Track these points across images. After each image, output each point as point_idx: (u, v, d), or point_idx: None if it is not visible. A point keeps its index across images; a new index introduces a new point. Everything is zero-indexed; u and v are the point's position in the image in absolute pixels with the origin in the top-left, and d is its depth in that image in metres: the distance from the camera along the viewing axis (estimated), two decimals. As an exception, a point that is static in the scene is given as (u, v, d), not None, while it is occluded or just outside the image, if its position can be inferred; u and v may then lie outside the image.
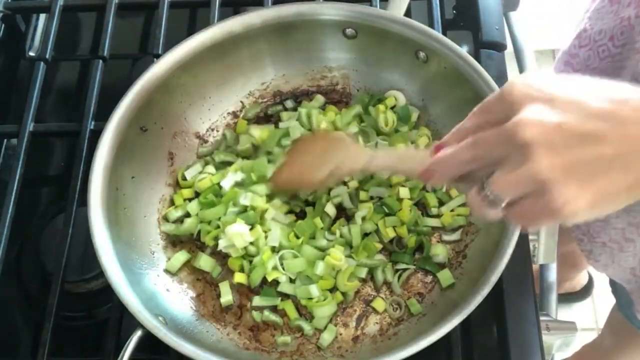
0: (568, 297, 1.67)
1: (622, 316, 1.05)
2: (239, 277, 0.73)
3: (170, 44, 0.79)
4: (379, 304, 0.73)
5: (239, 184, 0.77)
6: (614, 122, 0.45)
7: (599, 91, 0.47)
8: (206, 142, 0.83)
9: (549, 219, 0.47)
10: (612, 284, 1.03)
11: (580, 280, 1.68)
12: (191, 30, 0.83)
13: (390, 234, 0.75)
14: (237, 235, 0.73)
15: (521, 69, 1.01)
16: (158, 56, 0.81)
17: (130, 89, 0.75)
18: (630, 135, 0.45)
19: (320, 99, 0.84)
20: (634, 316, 0.98)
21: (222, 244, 0.74)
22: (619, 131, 0.45)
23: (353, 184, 0.77)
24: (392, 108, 0.82)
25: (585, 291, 1.68)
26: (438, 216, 0.77)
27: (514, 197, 0.49)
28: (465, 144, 0.51)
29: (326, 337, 0.71)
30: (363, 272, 0.73)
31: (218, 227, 0.75)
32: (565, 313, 0.92)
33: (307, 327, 0.72)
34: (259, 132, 0.81)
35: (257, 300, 0.73)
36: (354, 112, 0.81)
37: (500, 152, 0.48)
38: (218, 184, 0.78)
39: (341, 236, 0.75)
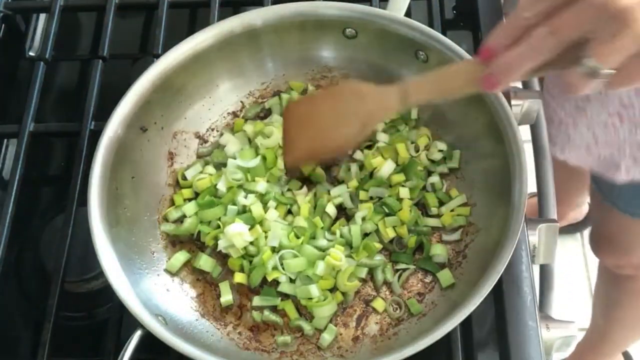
0: (573, 227, 1.79)
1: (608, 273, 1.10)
2: (239, 277, 0.73)
3: (170, 44, 0.79)
4: (379, 304, 0.73)
5: (238, 184, 0.77)
6: None
7: None
8: (206, 142, 0.83)
9: None
10: (593, 179, 1.06)
11: (583, 210, 1.77)
12: (191, 30, 0.83)
13: (390, 234, 0.75)
14: (236, 235, 0.73)
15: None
16: (158, 56, 0.81)
17: (130, 89, 0.75)
18: None
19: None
20: (619, 197, 1.02)
21: (221, 244, 0.74)
22: None
23: (353, 183, 0.77)
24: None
25: (587, 220, 1.77)
26: (438, 216, 0.77)
27: (619, 63, 0.49)
28: (542, 33, 0.50)
29: (326, 337, 0.71)
30: (363, 272, 0.73)
31: (218, 227, 0.75)
32: (565, 313, 0.92)
33: (307, 327, 0.71)
34: (251, 127, 0.81)
35: (257, 301, 0.73)
36: None
37: (592, 26, 0.48)
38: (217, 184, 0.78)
39: (341, 236, 0.75)
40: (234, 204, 0.76)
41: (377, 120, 0.65)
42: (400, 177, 0.77)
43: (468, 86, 0.58)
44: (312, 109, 0.68)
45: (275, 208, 0.76)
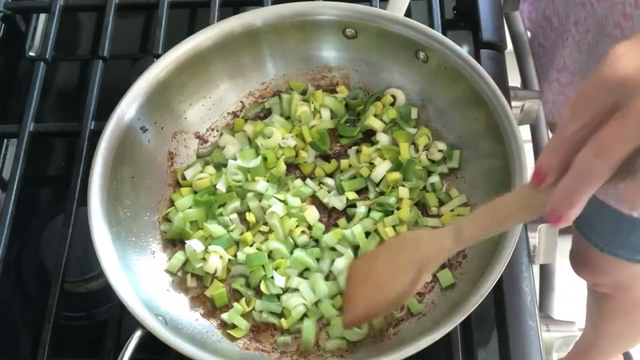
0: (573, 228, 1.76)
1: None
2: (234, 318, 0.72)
3: (170, 44, 0.79)
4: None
5: (238, 185, 0.77)
6: None
7: None
8: (206, 142, 0.83)
9: None
10: None
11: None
12: (191, 30, 0.83)
13: (390, 233, 0.75)
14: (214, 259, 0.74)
15: (521, 69, 1.02)
16: (158, 56, 0.81)
17: (130, 89, 0.75)
18: None
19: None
20: (591, 230, 1.01)
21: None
22: None
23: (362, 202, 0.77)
24: (391, 105, 0.82)
25: None
26: (438, 216, 0.77)
27: None
28: (590, 157, 0.44)
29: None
30: None
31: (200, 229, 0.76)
32: (565, 313, 0.92)
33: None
34: (251, 127, 0.81)
35: (259, 305, 0.73)
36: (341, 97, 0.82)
37: (637, 139, 0.42)
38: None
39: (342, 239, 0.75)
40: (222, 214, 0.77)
41: (433, 265, 0.61)
42: (396, 176, 0.77)
43: (524, 214, 0.54)
44: (371, 264, 0.66)
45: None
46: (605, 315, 1.30)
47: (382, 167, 0.77)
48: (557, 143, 0.47)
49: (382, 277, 0.63)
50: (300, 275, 0.74)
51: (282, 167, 0.78)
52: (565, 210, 0.47)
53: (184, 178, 0.80)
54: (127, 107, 0.74)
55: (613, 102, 0.42)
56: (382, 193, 0.78)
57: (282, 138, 0.80)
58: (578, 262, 1.20)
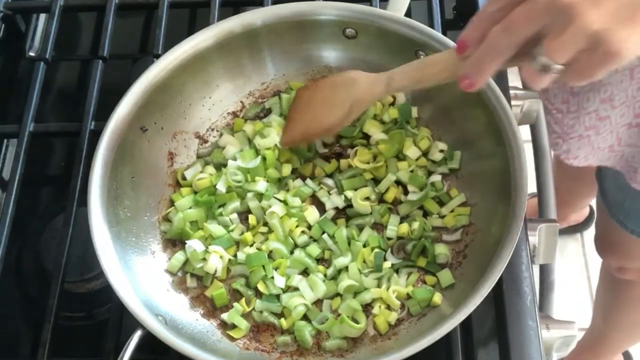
0: (573, 229, 1.80)
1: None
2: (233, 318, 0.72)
3: (170, 44, 0.79)
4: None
5: (237, 185, 0.77)
6: None
7: None
8: (206, 142, 0.83)
9: (608, 66, 0.50)
10: (601, 192, 1.07)
11: (584, 212, 1.79)
12: (191, 30, 0.83)
13: (392, 233, 0.75)
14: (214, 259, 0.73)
15: (521, 68, 1.02)
16: (158, 56, 0.81)
17: (130, 89, 0.75)
18: None
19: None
20: (627, 216, 1.02)
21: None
22: None
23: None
24: (391, 104, 0.82)
25: (588, 220, 1.79)
26: (440, 217, 0.77)
27: (568, 58, 0.50)
28: (498, 32, 0.52)
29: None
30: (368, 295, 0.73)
31: (199, 229, 0.76)
32: (565, 313, 0.92)
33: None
34: (251, 127, 0.81)
35: (259, 305, 0.73)
36: None
37: (541, 22, 0.50)
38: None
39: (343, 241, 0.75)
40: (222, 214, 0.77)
41: (364, 105, 0.70)
42: (396, 190, 0.77)
43: (445, 74, 0.62)
44: (312, 96, 0.75)
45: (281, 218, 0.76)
46: (620, 304, 1.30)
47: (387, 181, 0.78)
48: (479, 19, 0.55)
49: (320, 108, 0.73)
50: (300, 274, 0.74)
51: (288, 169, 0.79)
52: (474, 77, 0.56)
53: (184, 178, 0.80)
54: (127, 107, 0.74)
55: None
56: (381, 196, 0.78)
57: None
58: (606, 246, 1.21)
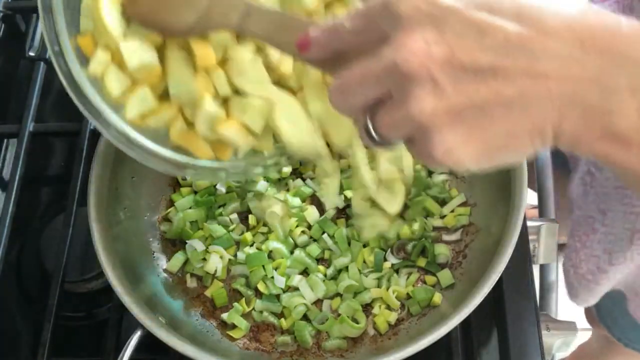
0: None
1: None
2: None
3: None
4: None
5: (237, 185, 0.77)
6: (520, 54, 0.36)
7: (515, 6, 0.37)
8: (206, 142, 0.83)
9: (435, 165, 0.40)
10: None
11: None
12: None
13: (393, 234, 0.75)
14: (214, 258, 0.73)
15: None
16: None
17: (130, 89, 0.75)
18: (537, 72, 0.36)
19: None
20: (614, 324, 0.96)
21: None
22: (523, 66, 0.36)
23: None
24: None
25: None
26: (440, 217, 0.77)
27: (398, 137, 0.41)
28: (334, 91, 0.42)
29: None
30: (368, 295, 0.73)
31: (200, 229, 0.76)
32: (565, 313, 0.92)
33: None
34: None
35: (259, 305, 0.73)
36: None
37: (379, 89, 0.40)
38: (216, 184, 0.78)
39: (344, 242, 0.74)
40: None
41: (211, 26, 0.53)
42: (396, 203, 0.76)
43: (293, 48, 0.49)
44: None
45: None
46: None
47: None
48: (337, 28, 0.43)
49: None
50: (300, 274, 0.74)
51: (288, 169, 0.78)
52: (310, 48, 0.45)
53: (184, 178, 0.80)
54: (127, 107, 0.74)
55: (389, 30, 0.39)
56: None
57: None
58: (594, 322, 1.12)
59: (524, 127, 0.37)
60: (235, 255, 0.75)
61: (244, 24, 0.52)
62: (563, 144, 0.38)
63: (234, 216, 0.77)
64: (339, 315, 0.71)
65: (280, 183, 0.79)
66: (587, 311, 1.13)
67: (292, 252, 0.75)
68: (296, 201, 0.77)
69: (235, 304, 0.73)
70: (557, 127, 0.37)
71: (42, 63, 0.88)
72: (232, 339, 0.71)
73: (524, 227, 0.75)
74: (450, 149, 0.38)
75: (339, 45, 0.44)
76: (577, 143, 0.38)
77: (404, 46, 0.37)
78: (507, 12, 0.37)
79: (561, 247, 0.86)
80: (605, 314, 0.97)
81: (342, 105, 0.43)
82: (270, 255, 0.74)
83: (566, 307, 0.98)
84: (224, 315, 0.72)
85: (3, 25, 0.94)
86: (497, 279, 0.63)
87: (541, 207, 0.89)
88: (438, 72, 0.37)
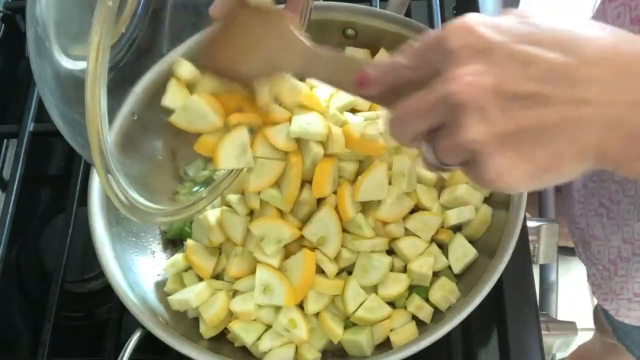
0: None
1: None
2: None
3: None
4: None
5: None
6: (562, 82, 0.39)
7: (554, 36, 0.40)
8: (206, 142, 0.83)
9: (489, 187, 0.45)
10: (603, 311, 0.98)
11: None
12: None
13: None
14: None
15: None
16: (160, 56, 0.81)
17: (131, 89, 0.75)
18: (579, 99, 0.39)
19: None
20: (633, 343, 0.94)
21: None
22: (566, 93, 0.39)
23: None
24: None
25: None
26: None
27: (455, 163, 0.44)
28: (395, 121, 0.46)
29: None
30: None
31: None
32: (565, 313, 0.92)
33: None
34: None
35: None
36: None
37: (435, 119, 0.44)
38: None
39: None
40: None
41: (276, 68, 0.59)
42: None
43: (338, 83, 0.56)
44: (245, 22, 0.60)
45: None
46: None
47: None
48: (392, 67, 0.49)
49: (247, 44, 0.59)
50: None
51: None
52: (370, 84, 0.50)
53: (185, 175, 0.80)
54: (128, 106, 0.74)
55: (440, 64, 0.43)
56: None
57: None
58: (603, 331, 1.10)
59: (569, 150, 0.40)
60: None
61: (307, 67, 0.58)
62: (606, 165, 0.41)
63: None
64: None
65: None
66: (596, 319, 1.12)
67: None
68: None
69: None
70: (600, 149, 0.40)
71: (42, 63, 0.88)
72: (233, 339, 0.71)
73: (524, 227, 0.75)
74: (501, 172, 0.41)
75: (396, 80, 0.48)
76: (620, 164, 0.41)
77: (454, 79, 0.41)
78: (547, 42, 0.40)
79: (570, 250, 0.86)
80: (621, 333, 0.94)
81: (402, 135, 0.46)
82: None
83: (566, 307, 0.99)
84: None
85: (3, 25, 0.94)
86: (497, 278, 0.63)
87: (541, 207, 0.89)
88: (486, 102, 0.40)
